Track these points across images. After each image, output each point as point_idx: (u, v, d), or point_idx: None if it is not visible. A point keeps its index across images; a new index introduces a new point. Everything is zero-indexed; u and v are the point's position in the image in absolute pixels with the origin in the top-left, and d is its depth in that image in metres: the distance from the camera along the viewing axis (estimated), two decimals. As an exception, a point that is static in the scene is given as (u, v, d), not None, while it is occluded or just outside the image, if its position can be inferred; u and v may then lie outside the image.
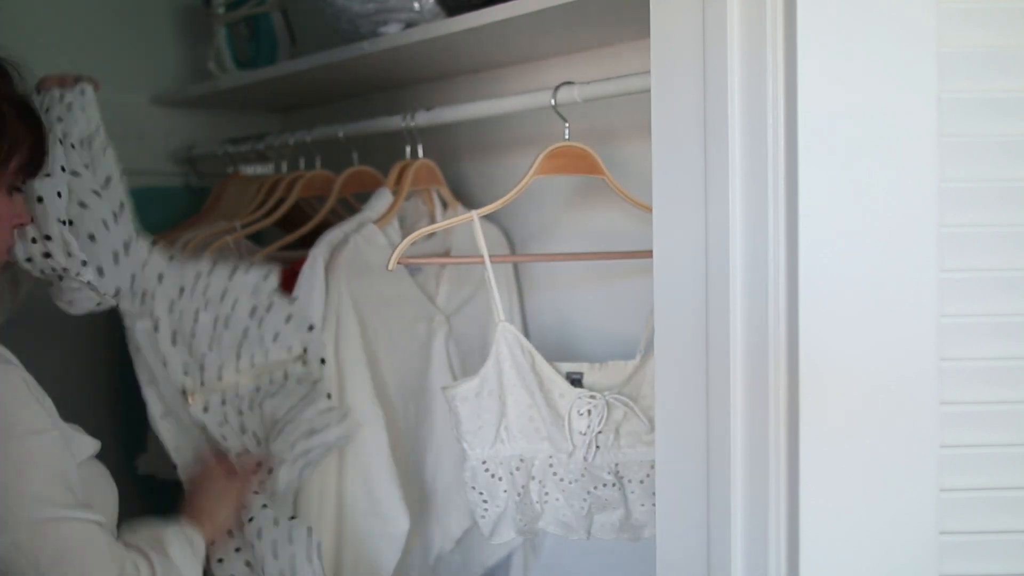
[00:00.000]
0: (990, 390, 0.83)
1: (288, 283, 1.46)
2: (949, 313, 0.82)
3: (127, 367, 1.38)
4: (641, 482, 1.23)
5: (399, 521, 1.38)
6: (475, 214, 1.23)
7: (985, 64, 0.81)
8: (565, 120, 1.26)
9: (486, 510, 1.23)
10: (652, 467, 1.22)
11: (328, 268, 1.41)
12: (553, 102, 1.24)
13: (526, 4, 1.21)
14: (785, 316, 0.83)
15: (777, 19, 0.82)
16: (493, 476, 1.22)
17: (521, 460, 1.23)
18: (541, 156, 1.25)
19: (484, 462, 1.22)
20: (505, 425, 1.21)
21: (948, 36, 0.81)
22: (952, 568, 0.83)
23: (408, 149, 1.52)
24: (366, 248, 1.43)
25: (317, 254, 1.42)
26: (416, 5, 1.43)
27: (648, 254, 1.21)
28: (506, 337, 1.20)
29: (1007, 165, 0.82)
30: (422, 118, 1.47)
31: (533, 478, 1.23)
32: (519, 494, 1.23)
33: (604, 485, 1.22)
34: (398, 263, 1.23)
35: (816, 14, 0.80)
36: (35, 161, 1.10)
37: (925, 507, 0.82)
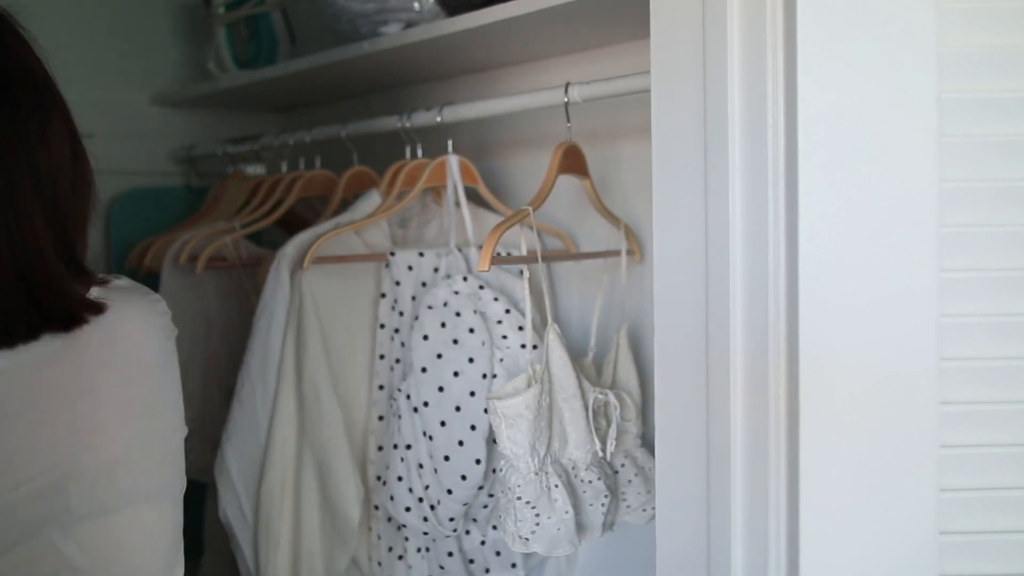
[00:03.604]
0: (990, 390, 0.83)
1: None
2: (949, 313, 0.82)
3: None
4: (622, 466, 1.27)
5: (350, 516, 1.39)
6: (530, 209, 1.19)
7: (985, 64, 0.81)
8: (568, 121, 1.25)
9: (538, 524, 1.15)
10: (625, 455, 1.27)
11: (293, 268, 1.41)
12: (566, 100, 1.23)
13: (526, 4, 1.21)
14: (785, 316, 0.83)
15: (777, 19, 0.83)
16: (547, 487, 1.17)
17: (561, 466, 1.19)
18: (559, 154, 1.24)
19: (537, 473, 1.16)
20: (557, 431, 1.18)
21: (948, 36, 0.81)
22: (952, 568, 0.83)
23: (408, 149, 1.52)
24: (337, 249, 1.42)
25: (283, 254, 1.42)
26: (416, 5, 1.43)
27: (613, 254, 1.25)
28: (555, 337, 1.17)
29: (1007, 165, 0.82)
30: (420, 118, 1.46)
31: (572, 483, 1.20)
32: (575, 502, 1.18)
33: (609, 477, 1.23)
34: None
35: (816, 14, 0.80)
36: None
37: (925, 507, 0.82)
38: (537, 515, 1.15)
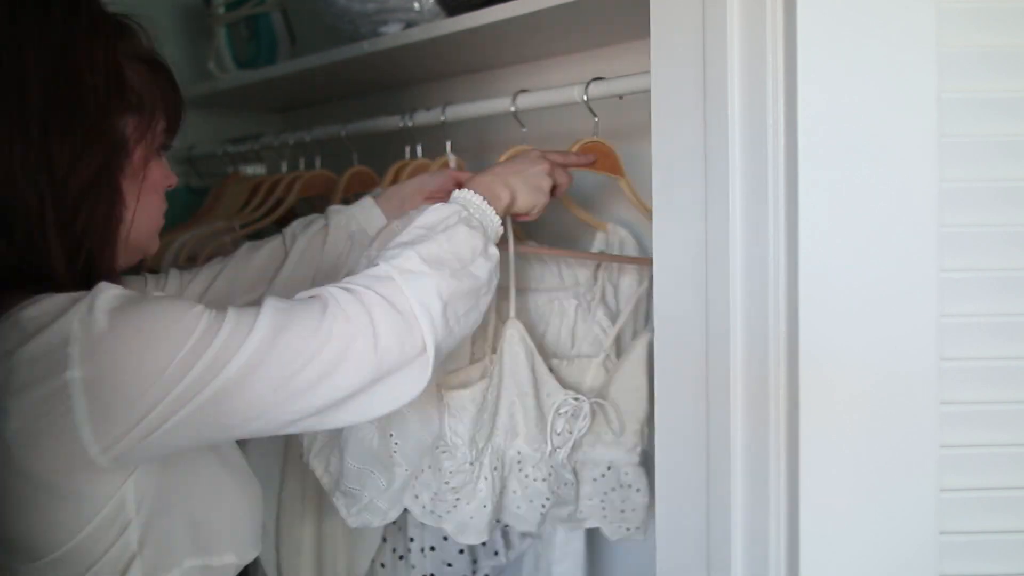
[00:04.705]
0: (990, 390, 0.83)
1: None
2: (949, 313, 0.82)
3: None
4: (594, 480, 1.23)
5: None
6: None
7: (985, 64, 0.81)
8: (595, 115, 1.25)
9: (455, 507, 1.18)
10: (608, 467, 1.23)
11: None
12: (585, 97, 1.23)
13: (526, 4, 1.21)
14: (785, 317, 0.83)
15: (777, 19, 0.83)
16: (477, 476, 1.18)
17: (498, 458, 1.19)
18: (575, 150, 1.24)
19: (471, 463, 1.18)
20: (496, 424, 1.18)
21: (948, 36, 0.81)
22: (952, 568, 0.83)
23: (408, 149, 1.52)
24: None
25: None
26: (416, 5, 1.43)
27: (644, 261, 1.22)
28: (513, 334, 1.17)
29: (1007, 165, 0.82)
30: (421, 118, 1.47)
31: (505, 475, 1.20)
32: (499, 493, 1.19)
33: (565, 484, 1.21)
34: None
35: (816, 14, 0.80)
36: (175, 121, 1.06)
37: (925, 507, 0.82)
38: (457, 499, 1.17)
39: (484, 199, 1.05)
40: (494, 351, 1.19)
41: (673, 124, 0.91)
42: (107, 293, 0.85)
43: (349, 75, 1.68)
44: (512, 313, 1.18)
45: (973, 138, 0.81)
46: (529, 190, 1.11)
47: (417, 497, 1.20)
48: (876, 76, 0.81)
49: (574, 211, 1.35)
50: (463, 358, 1.25)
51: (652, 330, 1.07)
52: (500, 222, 1.07)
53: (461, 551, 1.40)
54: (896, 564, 0.83)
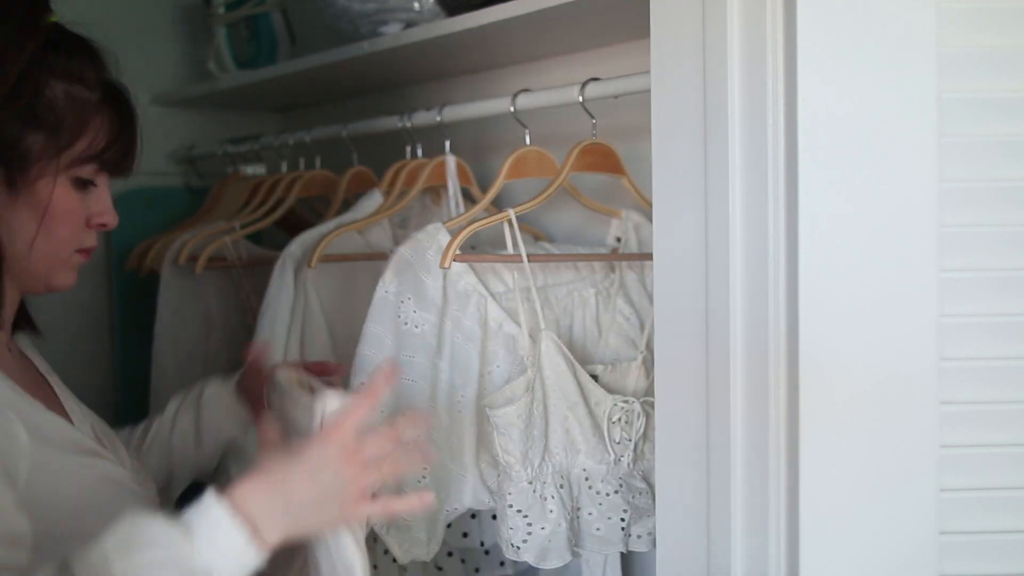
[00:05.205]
0: (990, 390, 0.83)
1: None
2: (949, 313, 0.82)
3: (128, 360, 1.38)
4: None
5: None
6: (511, 212, 1.17)
7: (985, 64, 0.81)
8: (593, 117, 1.25)
9: (529, 534, 1.13)
10: None
11: (298, 268, 1.40)
12: (581, 98, 1.23)
13: (526, 4, 1.21)
14: (785, 317, 0.83)
15: (777, 19, 0.83)
16: (541, 497, 1.14)
17: (562, 476, 1.16)
18: (574, 152, 1.23)
19: (531, 482, 1.13)
20: (549, 440, 1.15)
21: (948, 36, 0.81)
22: (952, 568, 0.83)
23: (408, 149, 1.52)
24: (342, 248, 1.41)
25: (287, 254, 1.41)
26: (416, 5, 1.43)
27: (647, 257, 1.21)
28: (549, 345, 1.14)
29: (1007, 165, 0.82)
30: (419, 118, 1.46)
31: (576, 496, 1.17)
32: (570, 512, 1.16)
33: (640, 493, 1.18)
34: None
35: (816, 14, 0.80)
36: (119, 153, 0.99)
37: (925, 507, 0.82)
38: (529, 524, 1.13)
39: (240, 525, 0.78)
40: (533, 365, 1.15)
41: (673, 124, 0.91)
42: None
43: (349, 75, 1.68)
44: (543, 325, 1.16)
45: (973, 138, 0.81)
46: (323, 518, 0.85)
47: (501, 533, 1.16)
48: (876, 76, 0.81)
49: (584, 201, 1.35)
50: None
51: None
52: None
53: (450, 553, 1.38)
54: (896, 564, 0.83)
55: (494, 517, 1.31)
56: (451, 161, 1.44)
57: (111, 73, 1.01)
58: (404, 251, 1.19)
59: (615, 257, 1.31)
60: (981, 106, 0.81)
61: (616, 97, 1.22)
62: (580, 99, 1.23)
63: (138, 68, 2.01)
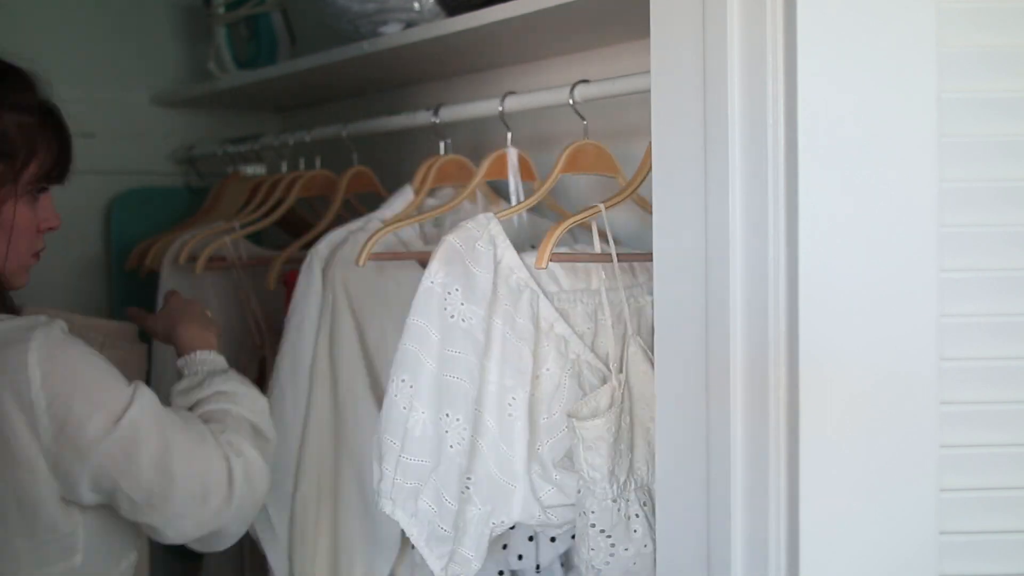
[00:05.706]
0: (990, 390, 0.83)
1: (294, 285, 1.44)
2: (949, 313, 0.82)
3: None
4: None
5: (392, 524, 1.27)
6: (602, 207, 1.10)
7: (985, 64, 0.81)
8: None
9: (612, 555, 1.05)
10: None
11: (327, 267, 1.38)
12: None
13: (526, 4, 1.21)
14: (785, 317, 0.83)
15: (777, 19, 0.82)
16: (626, 516, 1.06)
17: (646, 493, 1.07)
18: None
19: (615, 500, 1.05)
20: (635, 454, 1.06)
21: (948, 36, 0.81)
22: (952, 568, 0.83)
23: (442, 145, 1.48)
24: (375, 247, 1.38)
25: (315, 253, 1.39)
26: (416, 5, 1.43)
27: (647, 256, 1.19)
28: (636, 351, 1.07)
29: (1007, 165, 0.82)
30: (419, 118, 1.46)
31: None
32: (655, 532, 1.05)
33: None
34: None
35: (816, 14, 0.80)
36: (61, 165, 1.12)
37: (925, 507, 0.82)
38: (613, 545, 1.05)
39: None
40: (620, 371, 1.09)
41: (673, 124, 0.91)
42: None
43: (349, 75, 1.68)
44: (631, 330, 1.08)
45: (973, 138, 0.81)
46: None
47: (582, 554, 1.08)
48: (876, 76, 0.81)
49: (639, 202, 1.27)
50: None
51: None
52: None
53: (501, 573, 1.33)
54: (896, 564, 0.83)
55: (553, 540, 1.24)
56: (513, 155, 1.34)
57: (43, 94, 1.12)
58: (452, 240, 1.10)
59: (624, 257, 1.26)
60: (981, 106, 0.81)
61: (612, 98, 1.22)
62: (571, 101, 1.22)
63: (138, 68, 2.03)
